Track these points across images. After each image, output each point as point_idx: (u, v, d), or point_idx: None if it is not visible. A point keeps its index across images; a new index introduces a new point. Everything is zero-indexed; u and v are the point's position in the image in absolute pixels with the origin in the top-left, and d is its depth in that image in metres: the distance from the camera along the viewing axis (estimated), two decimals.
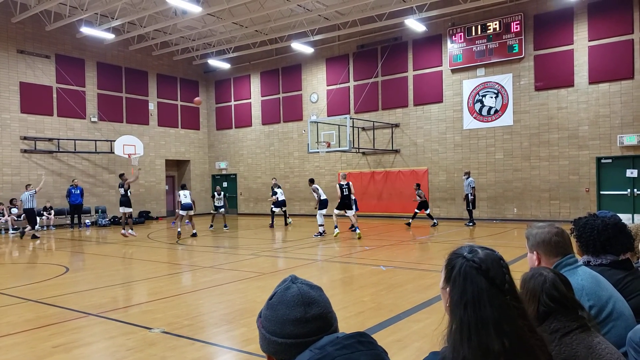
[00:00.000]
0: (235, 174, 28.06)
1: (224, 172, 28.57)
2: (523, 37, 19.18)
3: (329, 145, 20.75)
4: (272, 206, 19.85)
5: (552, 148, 18.81)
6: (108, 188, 23.68)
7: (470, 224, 18.02)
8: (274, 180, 21.08)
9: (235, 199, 27.81)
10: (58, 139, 21.89)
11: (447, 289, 1.53)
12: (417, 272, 9.29)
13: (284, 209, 19.96)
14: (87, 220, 21.97)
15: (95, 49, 23.37)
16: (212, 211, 19.82)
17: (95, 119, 23.38)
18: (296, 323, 1.38)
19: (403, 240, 14.79)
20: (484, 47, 19.99)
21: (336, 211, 15.61)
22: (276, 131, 26.36)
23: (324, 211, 16.48)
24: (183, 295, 7.88)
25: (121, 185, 16.58)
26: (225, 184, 28.08)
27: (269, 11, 19.77)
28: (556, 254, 2.59)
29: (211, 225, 19.53)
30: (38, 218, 20.23)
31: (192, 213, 16.95)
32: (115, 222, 22.39)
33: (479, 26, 20.04)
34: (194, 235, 16.59)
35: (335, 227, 15.64)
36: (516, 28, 19.28)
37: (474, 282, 1.45)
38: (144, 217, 24.20)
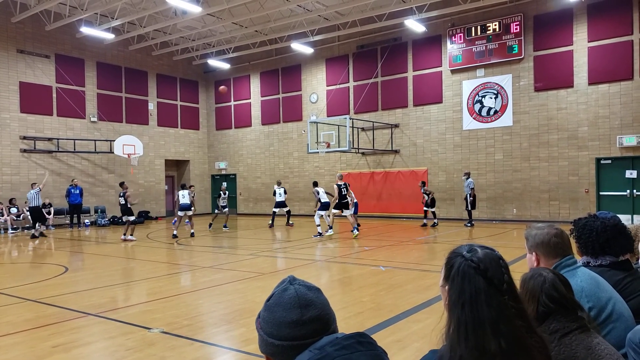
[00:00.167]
0: (234, 174, 28.06)
1: (223, 172, 28.56)
2: (523, 37, 19.19)
3: (328, 146, 20.75)
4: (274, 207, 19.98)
5: (552, 149, 18.82)
6: (107, 188, 23.67)
7: (469, 224, 18.03)
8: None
9: (234, 199, 27.80)
10: (57, 139, 21.88)
11: (446, 287, 1.53)
12: (416, 273, 9.29)
13: (284, 209, 19.94)
14: (86, 220, 21.96)
15: (95, 49, 23.36)
16: (216, 211, 19.68)
17: (95, 119, 23.37)
18: (293, 325, 1.38)
19: (402, 240, 14.79)
20: (484, 48, 20.00)
21: (334, 211, 15.70)
22: (276, 131, 26.36)
23: (323, 212, 16.58)
24: (182, 295, 7.88)
25: (121, 195, 16.36)
26: (224, 184, 28.01)
27: (268, 11, 19.78)
28: (555, 256, 2.59)
29: (210, 225, 19.50)
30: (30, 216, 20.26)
31: (191, 213, 16.93)
32: (114, 222, 22.41)
33: (479, 27, 20.04)
34: (192, 235, 16.59)
35: (330, 227, 15.66)
36: (516, 29, 19.29)
37: (472, 282, 1.45)
38: (143, 217, 24.19)
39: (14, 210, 19.75)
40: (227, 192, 19.69)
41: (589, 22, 18.04)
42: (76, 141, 22.36)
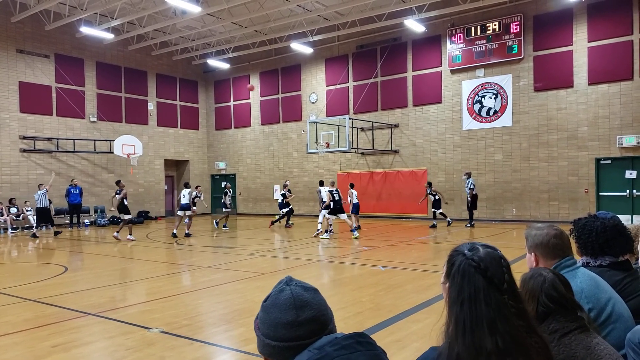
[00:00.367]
0: (234, 174, 28.05)
1: (223, 172, 28.55)
2: (522, 37, 19.19)
3: (328, 146, 20.76)
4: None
5: (552, 149, 18.82)
6: (107, 188, 23.65)
7: (468, 225, 18.01)
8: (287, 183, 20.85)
9: (234, 199, 27.76)
10: (57, 139, 21.87)
11: (447, 284, 1.54)
12: (416, 273, 9.30)
13: (283, 210, 19.91)
14: (86, 220, 21.95)
15: (94, 49, 23.35)
16: (224, 210, 19.60)
17: (95, 119, 23.36)
18: (288, 326, 1.38)
19: (402, 240, 14.79)
20: (484, 48, 20.00)
21: (332, 217, 15.97)
22: (275, 131, 26.36)
23: (325, 212, 16.63)
24: (182, 295, 7.87)
25: (118, 193, 16.21)
26: (224, 184, 27.98)
27: (268, 11, 19.77)
28: (554, 257, 2.59)
29: (225, 225, 19.36)
30: (35, 218, 20.26)
31: (190, 213, 16.94)
32: (114, 222, 22.38)
33: (479, 27, 20.04)
34: (187, 235, 16.56)
35: (326, 231, 15.67)
36: (515, 29, 19.29)
37: (472, 281, 1.46)
38: (143, 217, 24.19)
39: (13, 210, 19.74)
40: (231, 190, 19.67)
41: (589, 22, 18.05)
42: (76, 141, 22.35)
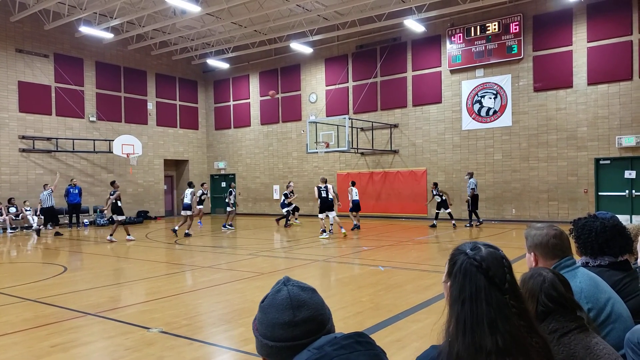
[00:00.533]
0: (234, 174, 28.04)
1: (222, 172, 28.55)
2: (522, 38, 19.20)
3: (327, 146, 20.75)
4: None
5: (551, 149, 18.83)
6: (106, 188, 23.55)
7: (469, 225, 17.99)
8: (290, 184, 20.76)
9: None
10: (56, 139, 21.86)
11: (448, 283, 1.54)
12: (415, 273, 9.30)
13: (284, 209, 19.98)
14: (85, 220, 21.94)
15: (94, 49, 23.35)
16: (228, 209, 19.60)
17: (94, 119, 23.35)
18: (285, 327, 1.38)
19: (401, 240, 14.79)
20: (483, 48, 20.01)
21: (321, 215, 16.01)
22: (275, 131, 26.36)
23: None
24: (181, 295, 7.87)
25: (112, 194, 16.17)
26: (223, 184, 28.07)
27: (268, 11, 19.77)
28: (553, 257, 2.58)
29: (231, 225, 19.35)
30: (36, 217, 20.25)
31: (190, 213, 16.95)
32: (113, 221, 22.34)
33: (478, 27, 20.05)
34: (187, 235, 16.56)
35: (323, 231, 15.70)
36: (515, 29, 19.29)
37: (473, 280, 1.46)
38: (142, 217, 24.19)
39: (12, 209, 19.74)
40: (235, 189, 19.72)
41: (589, 22, 18.05)
42: (75, 141, 22.34)
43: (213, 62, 26.12)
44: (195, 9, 18.22)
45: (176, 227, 16.70)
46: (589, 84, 18.08)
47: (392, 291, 7.78)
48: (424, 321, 5.98)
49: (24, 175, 20.94)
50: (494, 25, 19.70)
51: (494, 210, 19.92)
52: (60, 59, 22.21)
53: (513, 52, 19.37)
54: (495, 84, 19.85)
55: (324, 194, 15.85)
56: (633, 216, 17.25)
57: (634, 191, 17.47)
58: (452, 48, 20.73)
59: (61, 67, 22.13)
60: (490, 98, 19.99)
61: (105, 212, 16.55)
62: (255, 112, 27.13)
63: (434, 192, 18.24)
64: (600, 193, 18.03)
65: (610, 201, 17.66)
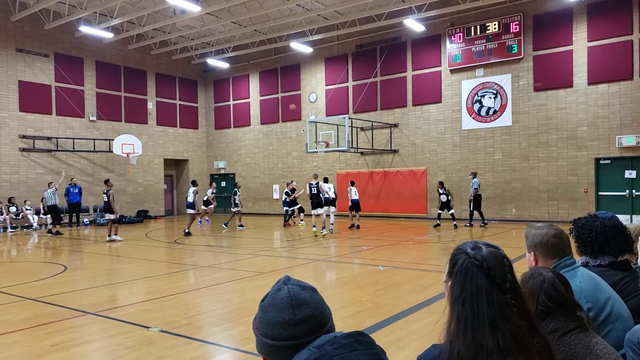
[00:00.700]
0: (233, 174, 28.04)
1: (222, 171, 28.55)
2: (522, 37, 19.19)
3: (327, 145, 20.75)
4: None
5: (551, 149, 18.82)
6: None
7: (469, 224, 17.98)
8: (293, 183, 20.62)
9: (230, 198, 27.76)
10: (57, 138, 21.86)
11: (449, 283, 1.55)
12: (415, 272, 9.30)
13: (285, 208, 20.05)
14: (85, 219, 21.94)
15: (94, 48, 23.34)
16: (233, 209, 19.56)
17: (94, 118, 23.36)
18: (285, 325, 1.38)
19: (401, 240, 14.79)
20: (483, 48, 20.00)
21: (313, 211, 16.16)
22: (275, 131, 26.36)
23: (333, 209, 17.05)
24: (181, 295, 7.87)
25: (105, 193, 16.12)
26: (223, 184, 28.07)
27: (268, 10, 19.77)
28: (553, 256, 2.58)
29: (225, 224, 19.33)
30: (36, 217, 20.28)
31: (192, 212, 17.01)
32: (113, 221, 22.34)
33: (478, 26, 20.04)
34: (186, 234, 16.57)
35: (323, 228, 15.83)
36: (515, 28, 19.29)
37: (474, 280, 1.47)
38: (142, 217, 24.19)
39: (13, 209, 19.74)
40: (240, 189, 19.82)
41: (589, 22, 18.05)
42: (75, 140, 22.34)
43: (213, 62, 26.12)
44: (195, 8, 18.22)
45: (186, 230, 16.91)
46: (589, 84, 18.07)
47: (391, 291, 7.78)
48: (423, 321, 5.98)
49: (24, 175, 20.94)
50: (494, 24, 19.69)
51: (494, 210, 19.92)
52: (61, 58, 22.21)
53: (513, 51, 19.36)
54: (495, 83, 19.85)
55: (314, 191, 15.86)
56: (633, 216, 17.26)
57: (634, 191, 17.47)
58: (452, 48, 20.72)
59: (61, 66, 22.12)
60: (490, 98, 19.98)
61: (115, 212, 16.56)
62: (255, 112, 27.12)
63: (440, 191, 17.80)
64: (600, 193, 18.03)
65: (611, 201, 17.66)
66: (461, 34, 20.47)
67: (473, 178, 18.04)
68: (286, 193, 19.88)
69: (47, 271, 10.29)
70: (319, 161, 24.64)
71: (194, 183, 17.67)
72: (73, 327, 6.07)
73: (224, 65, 26.57)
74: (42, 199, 19.91)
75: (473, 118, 20.40)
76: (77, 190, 20.84)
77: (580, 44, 18.22)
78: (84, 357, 5.09)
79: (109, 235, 15.66)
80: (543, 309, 2.02)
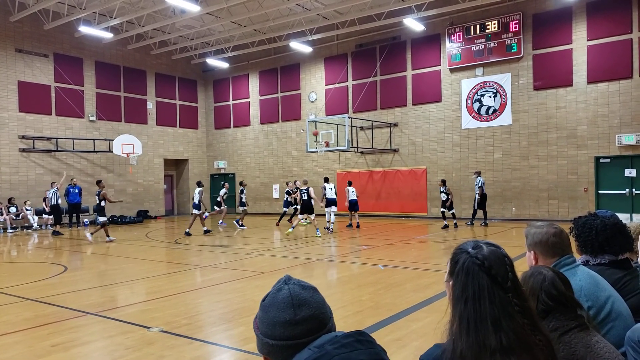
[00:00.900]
0: (233, 173, 28.04)
1: (222, 171, 28.55)
2: (522, 36, 19.19)
3: (327, 145, 20.75)
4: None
5: (551, 147, 18.82)
6: (106, 187, 23.61)
7: (475, 223, 17.81)
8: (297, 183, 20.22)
9: (233, 198, 27.76)
10: (56, 138, 21.86)
11: (451, 282, 1.54)
12: (415, 272, 9.30)
13: (285, 209, 20.10)
14: (85, 220, 21.93)
15: (93, 48, 23.33)
16: (241, 209, 19.56)
17: (94, 118, 23.35)
18: (286, 325, 1.38)
19: (401, 239, 14.79)
20: (483, 47, 20.00)
21: (300, 216, 16.45)
22: (275, 130, 26.36)
23: (327, 208, 17.30)
24: (181, 295, 7.87)
25: (97, 194, 15.94)
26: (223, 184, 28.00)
27: (267, 10, 19.76)
28: (553, 255, 2.58)
29: (242, 225, 19.25)
30: (37, 217, 20.28)
31: (197, 212, 17.09)
32: (113, 221, 22.39)
33: (478, 25, 20.04)
34: (187, 234, 16.59)
35: (292, 227, 16.10)
36: (515, 27, 19.28)
37: (476, 279, 1.47)
38: (142, 217, 24.19)
39: (13, 209, 19.74)
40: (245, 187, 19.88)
41: (588, 20, 18.04)
42: (75, 140, 22.34)
43: (212, 62, 26.11)
44: (194, 8, 18.21)
45: (205, 227, 17.13)
46: (588, 83, 18.07)
47: (392, 290, 7.78)
48: (424, 320, 5.99)
49: (24, 175, 20.94)
50: (494, 23, 19.69)
51: (494, 209, 19.90)
52: (60, 58, 22.20)
53: (513, 50, 19.36)
54: (495, 82, 19.85)
55: (305, 196, 15.91)
56: (633, 214, 17.26)
57: (634, 189, 17.47)
58: (451, 47, 20.72)
59: (61, 66, 22.12)
60: (490, 97, 19.98)
61: (115, 200, 16.53)
62: (254, 112, 27.12)
63: (441, 190, 17.51)
64: (600, 191, 18.03)
65: (611, 199, 17.66)
66: (461, 33, 20.47)
67: (477, 177, 17.90)
68: (287, 192, 19.90)
69: (47, 272, 10.29)
70: (319, 161, 24.64)
71: (199, 184, 17.77)
72: (74, 327, 6.07)
73: (224, 65, 26.56)
74: (45, 198, 19.92)
75: (473, 117, 20.39)
76: (77, 191, 20.83)
77: (580, 43, 18.22)
78: (85, 357, 5.09)
79: (108, 236, 15.64)
80: (543, 307, 2.02)
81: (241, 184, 19.82)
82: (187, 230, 16.84)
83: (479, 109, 20.25)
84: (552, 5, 18.71)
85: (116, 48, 24.15)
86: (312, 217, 16.10)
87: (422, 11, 19.37)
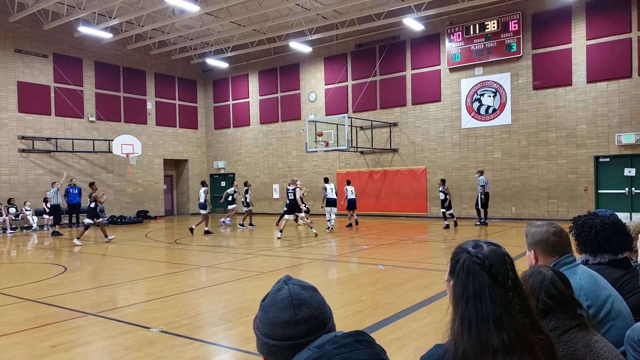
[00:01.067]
0: (233, 173, 28.04)
1: (222, 171, 28.55)
2: (521, 36, 19.19)
3: (327, 145, 20.75)
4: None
5: (550, 147, 18.82)
6: (106, 187, 23.63)
7: (478, 223, 17.73)
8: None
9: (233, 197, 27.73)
10: (56, 139, 21.86)
11: (451, 282, 1.54)
12: (415, 271, 9.30)
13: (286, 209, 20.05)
14: (85, 220, 21.86)
15: (93, 48, 23.33)
16: (245, 209, 19.59)
17: (93, 119, 23.35)
18: (286, 325, 1.38)
19: (401, 239, 14.79)
20: (482, 46, 20.00)
21: (286, 216, 16.20)
22: (274, 130, 26.35)
23: (328, 208, 17.43)
24: (181, 295, 7.86)
25: (89, 196, 15.86)
26: (223, 183, 28.07)
27: (267, 10, 19.75)
28: (553, 254, 2.58)
29: (246, 224, 19.32)
30: (36, 218, 20.27)
31: (204, 212, 17.18)
32: (113, 221, 22.39)
33: (477, 25, 20.04)
34: (190, 230, 16.79)
35: (280, 231, 15.72)
36: (514, 27, 19.28)
37: (476, 278, 1.46)
38: (142, 217, 24.18)
39: (12, 210, 19.73)
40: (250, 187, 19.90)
41: (588, 20, 18.05)
42: (74, 141, 22.34)
43: (212, 62, 26.11)
44: (194, 8, 18.21)
45: (206, 228, 17.09)
46: (588, 82, 18.07)
47: (392, 290, 7.78)
48: (424, 320, 5.99)
49: (24, 176, 20.93)
50: (493, 23, 19.69)
51: (493, 209, 19.89)
52: (59, 59, 22.19)
53: (512, 50, 19.36)
54: (495, 82, 19.85)
55: (291, 196, 15.87)
56: (633, 214, 17.26)
57: (633, 189, 17.47)
58: (451, 46, 20.72)
59: (60, 67, 22.11)
60: (490, 96, 19.98)
61: (103, 200, 16.47)
62: (254, 112, 27.12)
63: (440, 189, 17.48)
64: (600, 191, 18.03)
65: (610, 199, 17.67)
66: (460, 32, 20.47)
67: (480, 176, 17.81)
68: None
69: (47, 272, 10.29)
70: (319, 161, 24.64)
71: (204, 184, 18.00)
72: (73, 327, 6.07)
73: (223, 65, 26.56)
74: (45, 198, 19.91)
75: (472, 117, 20.40)
76: (76, 191, 20.82)
77: (579, 42, 18.22)
78: (85, 358, 5.08)
79: (106, 236, 15.65)
80: (543, 307, 2.02)
81: (246, 184, 19.84)
82: (192, 227, 17.00)
83: (478, 109, 20.25)
84: (551, 5, 18.71)
85: (115, 48, 24.14)
86: (302, 214, 16.11)
87: (422, 11, 19.37)
